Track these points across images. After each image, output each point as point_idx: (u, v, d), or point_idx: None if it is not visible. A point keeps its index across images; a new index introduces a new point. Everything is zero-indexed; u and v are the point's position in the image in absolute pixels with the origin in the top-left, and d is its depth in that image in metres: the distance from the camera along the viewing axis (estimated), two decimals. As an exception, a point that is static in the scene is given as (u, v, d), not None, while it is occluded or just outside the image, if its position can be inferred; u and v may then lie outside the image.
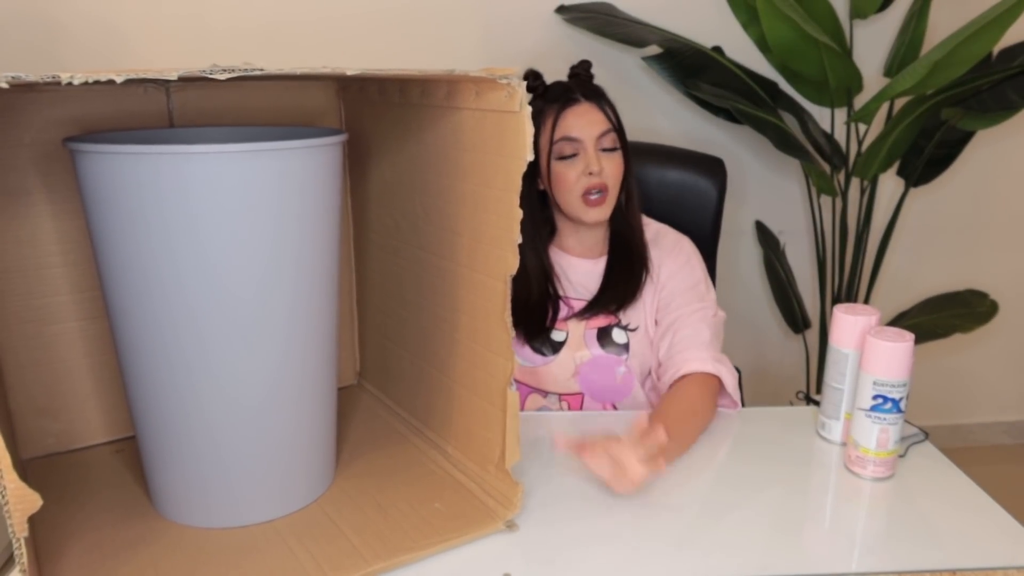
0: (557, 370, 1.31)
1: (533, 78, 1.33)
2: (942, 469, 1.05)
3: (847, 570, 0.84)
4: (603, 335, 1.32)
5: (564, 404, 1.33)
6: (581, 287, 1.34)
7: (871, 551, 0.87)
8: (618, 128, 1.29)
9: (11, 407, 1.02)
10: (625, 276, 1.33)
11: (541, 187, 1.32)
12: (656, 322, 1.32)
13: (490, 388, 0.94)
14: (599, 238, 1.37)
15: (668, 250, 1.35)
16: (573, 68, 1.34)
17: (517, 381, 1.32)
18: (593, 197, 1.26)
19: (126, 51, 1.89)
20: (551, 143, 1.27)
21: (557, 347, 1.31)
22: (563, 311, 1.33)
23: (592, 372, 1.31)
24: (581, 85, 1.30)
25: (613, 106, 1.30)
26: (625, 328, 1.32)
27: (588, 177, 1.25)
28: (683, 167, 1.57)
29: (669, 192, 1.52)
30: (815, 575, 0.83)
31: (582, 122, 1.26)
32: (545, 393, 1.33)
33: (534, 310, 1.30)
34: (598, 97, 1.28)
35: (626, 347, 1.31)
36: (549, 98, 1.29)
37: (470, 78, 0.83)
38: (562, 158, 1.27)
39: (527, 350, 1.31)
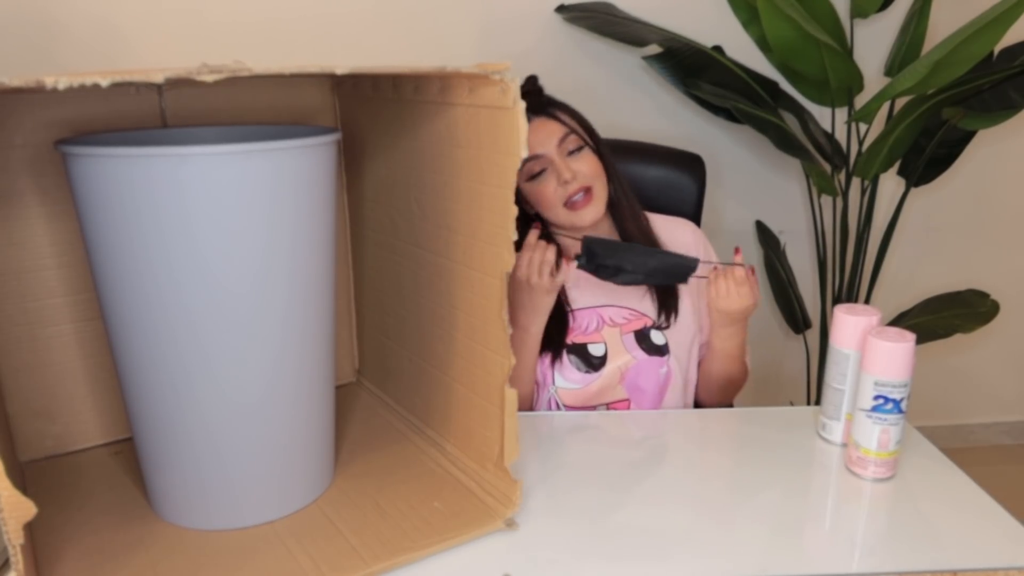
0: (604, 383, 1.30)
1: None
2: (942, 469, 1.04)
3: (848, 571, 0.84)
4: (642, 338, 1.31)
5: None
6: (601, 294, 1.33)
7: (872, 552, 0.87)
8: (580, 128, 1.28)
9: (8, 410, 1.02)
10: (662, 287, 1.33)
11: (531, 212, 1.31)
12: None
13: (488, 386, 0.94)
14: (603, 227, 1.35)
15: (686, 245, 1.37)
16: (521, 87, 1.33)
17: (567, 407, 1.30)
18: (577, 199, 1.26)
19: (125, 49, 1.89)
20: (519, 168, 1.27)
21: (600, 362, 1.30)
22: (594, 322, 1.32)
23: (637, 377, 1.31)
24: (529, 103, 1.28)
25: (567, 108, 1.29)
26: (660, 328, 1.32)
27: (564, 186, 1.25)
28: (662, 164, 1.57)
29: (648, 190, 1.51)
30: (815, 575, 0.83)
31: (539, 137, 1.25)
32: (594, 406, 1.31)
33: (551, 323, 1.29)
34: (546, 108, 1.28)
35: (666, 347, 1.31)
36: None
37: (463, 74, 0.83)
38: (533, 177, 1.27)
39: (573, 372, 1.29)
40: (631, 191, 1.36)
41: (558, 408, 1.30)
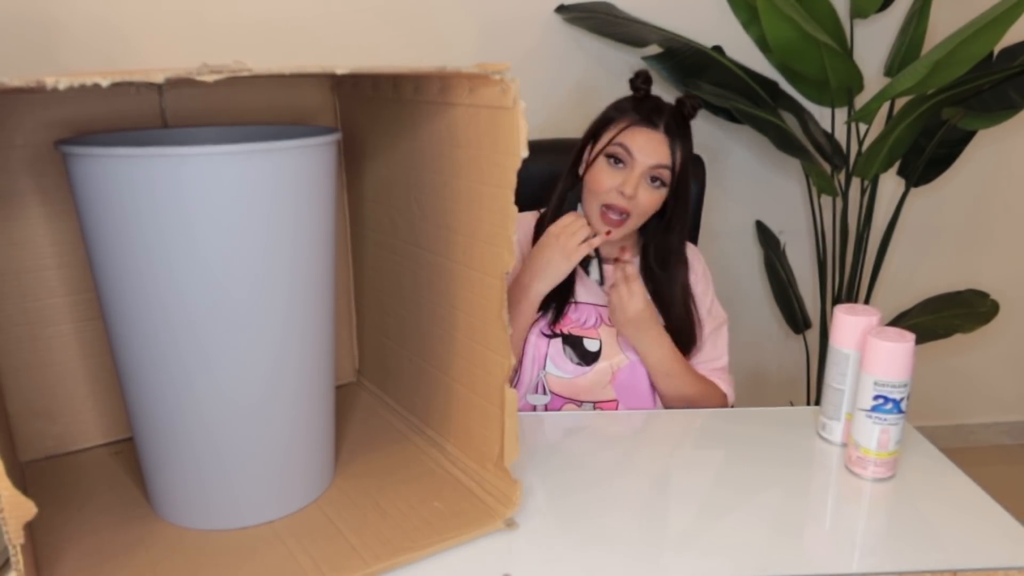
0: (595, 378, 1.31)
1: (643, 80, 1.29)
2: (942, 469, 1.04)
3: (848, 571, 0.84)
4: None
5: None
6: (602, 296, 1.34)
7: (872, 552, 0.87)
8: (677, 170, 1.25)
9: (9, 410, 1.01)
10: (669, 310, 1.33)
11: (581, 172, 1.31)
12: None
13: (488, 386, 0.94)
14: (623, 243, 1.35)
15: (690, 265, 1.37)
16: (679, 98, 1.30)
17: (553, 394, 1.31)
18: (613, 217, 1.25)
19: (125, 49, 1.89)
20: (609, 142, 1.25)
21: (593, 357, 1.31)
22: (592, 319, 1.32)
23: (628, 378, 1.31)
24: (673, 116, 1.26)
25: (686, 150, 1.27)
26: None
27: (618, 195, 1.24)
28: None
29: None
30: (815, 575, 0.83)
31: (647, 145, 1.23)
32: (580, 403, 1.32)
33: (552, 296, 1.29)
34: (676, 135, 1.25)
35: None
36: (637, 106, 1.27)
37: (463, 74, 0.83)
38: (609, 157, 1.25)
39: (566, 362, 1.30)
40: (685, 231, 1.35)
41: (544, 392, 1.31)
